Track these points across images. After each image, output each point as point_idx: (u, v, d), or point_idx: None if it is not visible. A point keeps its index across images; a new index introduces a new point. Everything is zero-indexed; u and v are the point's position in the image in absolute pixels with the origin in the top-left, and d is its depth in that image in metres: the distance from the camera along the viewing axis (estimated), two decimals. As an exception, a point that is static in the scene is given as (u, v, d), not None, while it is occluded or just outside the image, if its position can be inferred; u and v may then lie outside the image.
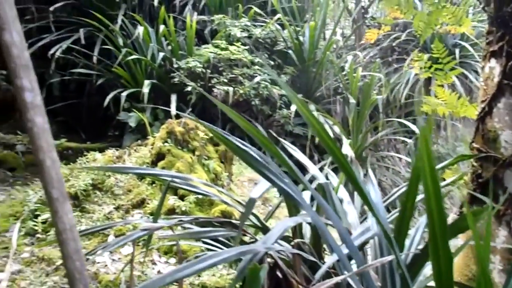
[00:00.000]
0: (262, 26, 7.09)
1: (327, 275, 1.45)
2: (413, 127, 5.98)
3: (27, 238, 3.14)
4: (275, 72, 6.51)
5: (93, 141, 6.03)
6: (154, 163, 3.83)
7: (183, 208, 3.31)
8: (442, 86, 2.79)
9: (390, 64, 7.67)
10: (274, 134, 4.16)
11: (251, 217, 1.91)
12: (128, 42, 6.42)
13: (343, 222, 1.71)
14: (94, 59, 6.28)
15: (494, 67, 2.06)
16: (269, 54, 6.94)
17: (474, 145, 2.10)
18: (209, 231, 1.73)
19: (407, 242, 1.63)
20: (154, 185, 3.63)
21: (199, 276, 2.84)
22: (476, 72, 6.96)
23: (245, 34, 6.62)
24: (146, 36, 6.32)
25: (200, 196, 3.36)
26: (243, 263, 1.31)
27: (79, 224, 3.20)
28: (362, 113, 6.28)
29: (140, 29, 6.27)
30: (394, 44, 7.61)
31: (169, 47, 6.50)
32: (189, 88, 5.74)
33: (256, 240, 1.80)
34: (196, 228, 1.88)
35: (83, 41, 6.25)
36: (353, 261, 1.51)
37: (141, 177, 3.68)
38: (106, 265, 2.88)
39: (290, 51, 6.99)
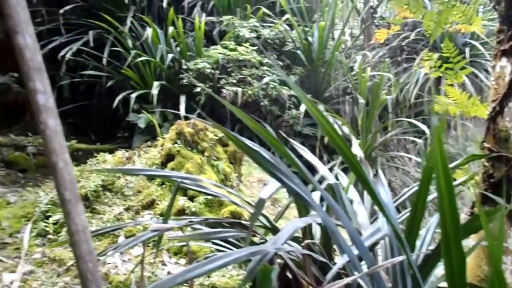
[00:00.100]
0: (270, 26, 7.09)
1: (338, 276, 1.44)
2: (423, 127, 5.94)
3: (39, 239, 3.16)
4: (284, 73, 6.49)
5: (102, 142, 6.07)
6: (163, 164, 3.84)
7: (193, 209, 3.32)
8: (452, 85, 2.77)
9: (400, 63, 7.63)
10: (284, 135, 4.16)
11: (261, 217, 1.91)
12: (137, 44, 6.45)
13: (353, 223, 1.71)
14: (104, 61, 6.31)
15: (505, 66, 2.04)
16: (278, 54, 6.94)
17: (485, 145, 2.08)
18: (219, 232, 1.73)
19: (418, 242, 1.62)
20: (163, 186, 3.64)
21: (209, 276, 2.85)
22: (487, 71, 6.90)
23: (253, 34, 6.63)
24: (155, 38, 6.34)
25: (209, 197, 3.37)
26: (253, 264, 1.31)
27: (90, 225, 3.22)
28: (371, 113, 6.25)
29: (149, 31, 6.30)
30: (403, 43, 7.57)
31: (178, 49, 6.52)
32: (198, 89, 5.75)
33: (266, 240, 1.80)
34: (206, 229, 1.88)
35: (91, 43, 6.29)
36: (363, 262, 1.51)
37: (151, 178, 3.70)
38: (116, 266, 2.89)
39: (298, 52, 6.98)
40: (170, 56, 6.19)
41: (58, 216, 3.25)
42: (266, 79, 5.99)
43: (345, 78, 6.99)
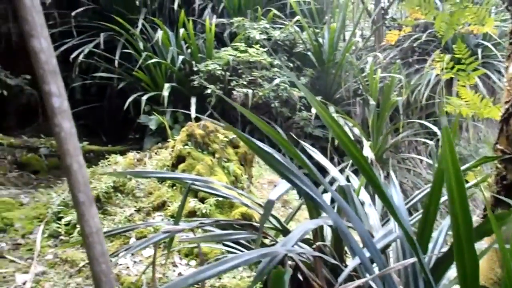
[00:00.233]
0: (281, 28, 7.09)
1: (349, 278, 1.44)
2: (435, 128, 5.91)
3: (51, 240, 3.19)
4: (295, 75, 6.50)
5: (114, 144, 6.11)
6: (174, 166, 3.85)
7: (204, 211, 3.33)
8: (465, 86, 2.75)
9: (411, 65, 7.59)
10: (294, 136, 4.15)
11: (272, 219, 1.91)
12: (148, 46, 6.49)
13: (364, 225, 1.70)
14: (115, 63, 6.35)
15: (518, 67, 2.02)
16: (288, 56, 6.94)
17: (498, 146, 2.06)
18: (230, 234, 1.73)
19: (430, 245, 1.61)
20: (174, 187, 3.66)
21: (220, 278, 2.85)
22: (499, 72, 6.84)
23: (264, 36, 6.64)
24: (166, 40, 6.37)
25: (220, 199, 3.37)
26: (263, 265, 1.31)
27: (101, 226, 3.24)
28: (382, 115, 6.22)
29: (160, 33, 6.33)
30: (414, 45, 7.53)
31: (189, 50, 6.55)
32: (208, 91, 5.77)
33: (277, 242, 1.80)
34: (217, 231, 1.89)
35: (102, 46, 6.34)
36: (374, 264, 1.50)
37: (162, 180, 3.71)
38: (128, 267, 2.90)
39: (309, 53, 6.98)
40: (181, 58, 6.21)
41: (70, 217, 3.28)
42: (276, 81, 5.99)
43: (355, 80, 6.97)
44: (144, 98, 5.79)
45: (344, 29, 7.94)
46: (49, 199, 3.62)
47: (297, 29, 7.08)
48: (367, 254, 1.42)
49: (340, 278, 1.37)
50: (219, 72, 5.91)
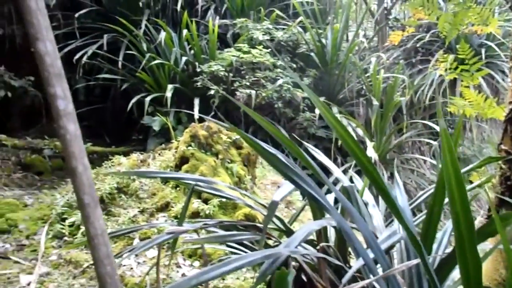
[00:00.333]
0: (284, 29, 7.09)
1: (353, 279, 1.44)
2: (438, 128, 5.89)
3: (55, 241, 3.20)
4: (298, 75, 6.50)
5: (117, 145, 6.13)
6: (178, 167, 3.85)
7: (207, 212, 3.33)
8: (468, 87, 2.74)
9: (414, 65, 7.58)
10: (297, 137, 4.15)
11: (275, 220, 1.91)
12: (152, 47, 6.50)
13: (368, 226, 1.70)
14: (119, 64, 6.37)
15: (522, 67, 2.02)
16: (291, 57, 6.94)
17: (503, 147, 2.05)
18: (234, 235, 1.73)
19: (434, 246, 1.61)
20: (178, 188, 3.66)
21: (223, 279, 2.85)
22: (503, 72, 6.82)
23: (267, 37, 6.64)
24: (169, 41, 6.39)
25: (223, 200, 3.37)
26: (265, 266, 1.31)
27: (105, 228, 3.25)
28: (385, 115, 6.21)
29: (163, 34, 6.35)
30: (418, 45, 7.52)
31: (192, 52, 6.56)
32: (212, 92, 5.77)
33: (281, 243, 1.79)
34: (221, 232, 1.89)
35: (105, 47, 6.35)
36: (378, 265, 1.50)
37: (165, 180, 3.72)
38: (131, 268, 2.91)
39: (312, 54, 6.98)
40: (184, 59, 6.22)
41: (74, 218, 3.29)
42: (279, 82, 5.99)
43: (359, 80, 6.96)
44: (148, 99, 5.80)
45: (347, 29, 7.94)
46: (53, 200, 3.63)
47: (300, 29, 7.08)
48: (371, 255, 1.42)
49: (344, 279, 1.37)
50: (222, 73, 5.92)
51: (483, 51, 6.78)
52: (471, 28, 2.89)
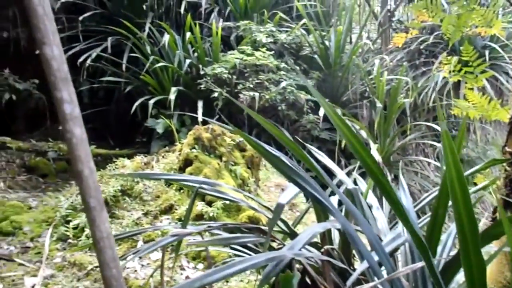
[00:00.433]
0: (287, 31, 7.10)
1: (358, 282, 1.43)
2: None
3: (59, 243, 3.21)
4: (302, 77, 6.50)
5: (121, 147, 6.14)
6: (181, 169, 3.86)
7: (211, 214, 3.33)
8: (472, 89, 2.74)
9: (418, 67, 7.56)
10: (300, 140, 4.15)
11: (279, 222, 1.91)
12: (156, 50, 6.52)
13: (372, 228, 1.70)
14: (123, 66, 6.39)
15: (526, 69, 2.01)
16: (295, 59, 6.94)
17: (507, 149, 2.05)
18: (237, 237, 1.74)
19: (438, 248, 1.61)
20: (181, 191, 3.67)
21: (227, 281, 2.85)
22: (507, 74, 6.80)
23: (270, 39, 6.64)
24: (172, 44, 6.40)
25: (227, 202, 3.38)
26: (269, 268, 1.31)
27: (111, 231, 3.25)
28: (389, 117, 6.21)
29: (166, 37, 6.36)
30: (421, 47, 7.51)
31: (196, 54, 6.57)
32: (215, 94, 5.78)
33: (284, 245, 1.79)
34: (225, 234, 1.89)
35: (109, 50, 6.38)
36: (383, 268, 1.50)
37: (169, 183, 3.72)
38: (135, 270, 2.91)
39: (315, 56, 6.98)
40: (187, 61, 6.24)
41: (78, 220, 3.30)
42: (283, 84, 5.99)
43: (362, 82, 6.96)
44: (151, 101, 5.81)
45: (351, 31, 7.94)
46: (57, 203, 3.64)
47: (304, 32, 7.09)
48: (376, 258, 1.41)
49: (349, 282, 1.37)
50: (225, 75, 5.93)
51: (487, 53, 6.76)
52: (475, 30, 2.88)
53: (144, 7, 7.01)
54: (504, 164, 2.05)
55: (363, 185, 2.25)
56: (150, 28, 6.69)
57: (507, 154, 2.04)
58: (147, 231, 3.03)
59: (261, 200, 3.13)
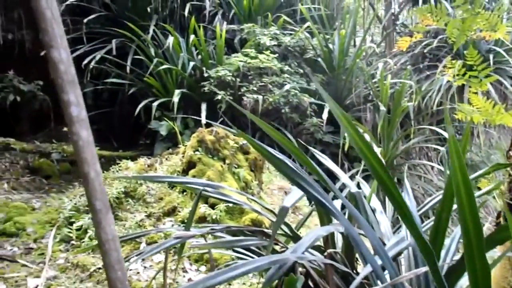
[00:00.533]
0: (291, 34, 7.11)
1: (361, 286, 1.43)
2: (446, 134, 5.86)
3: (62, 244, 3.22)
4: (305, 81, 6.50)
5: (124, 149, 6.15)
6: (185, 172, 3.86)
7: (214, 217, 3.33)
8: (477, 93, 2.73)
9: (422, 71, 7.55)
10: (303, 143, 4.15)
11: (282, 226, 1.91)
12: (159, 52, 6.53)
13: (376, 232, 1.70)
14: (127, 69, 6.40)
15: (531, 74, 2.01)
16: (299, 62, 6.94)
17: (511, 153, 2.04)
18: (240, 240, 1.74)
19: (442, 253, 1.60)
20: (185, 193, 3.67)
21: (229, 284, 2.85)
22: (511, 78, 6.79)
23: (274, 42, 6.65)
24: (176, 46, 6.41)
25: (230, 205, 3.38)
26: (272, 271, 1.31)
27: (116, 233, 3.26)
28: (393, 121, 6.19)
29: (170, 39, 6.37)
30: (425, 51, 7.50)
31: (199, 57, 6.58)
32: (219, 97, 5.78)
33: (287, 249, 1.79)
34: (228, 237, 1.89)
35: (114, 52, 6.39)
36: (386, 272, 1.49)
37: (172, 185, 3.73)
38: (138, 272, 2.92)
39: (319, 59, 6.98)
40: (191, 64, 6.25)
41: (81, 222, 3.30)
42: (286, 87, 5.99)
43: (366, 86, 6.95)
44: (155, 104, 5.82)
45: (355, 35, 7.93)
46: (60, 204, 3.65)
47: (307, 35, 7.09)
48: (379, 262, 1.41)
49: (352, 286, 1.37)
50: (229, 78, 5.93)
51: (491, 57, 6.75)
52: (479, 34, 2.87)
53: (149, 9, 7.03)
54: (508, 168, 2.04)
55: (366, 188, 2.24)
56: (154, 31, 6.70)
57: (511, 158, 2.04)
58: (150, 233, 3.04)
59: (264, 203, 3.12)
